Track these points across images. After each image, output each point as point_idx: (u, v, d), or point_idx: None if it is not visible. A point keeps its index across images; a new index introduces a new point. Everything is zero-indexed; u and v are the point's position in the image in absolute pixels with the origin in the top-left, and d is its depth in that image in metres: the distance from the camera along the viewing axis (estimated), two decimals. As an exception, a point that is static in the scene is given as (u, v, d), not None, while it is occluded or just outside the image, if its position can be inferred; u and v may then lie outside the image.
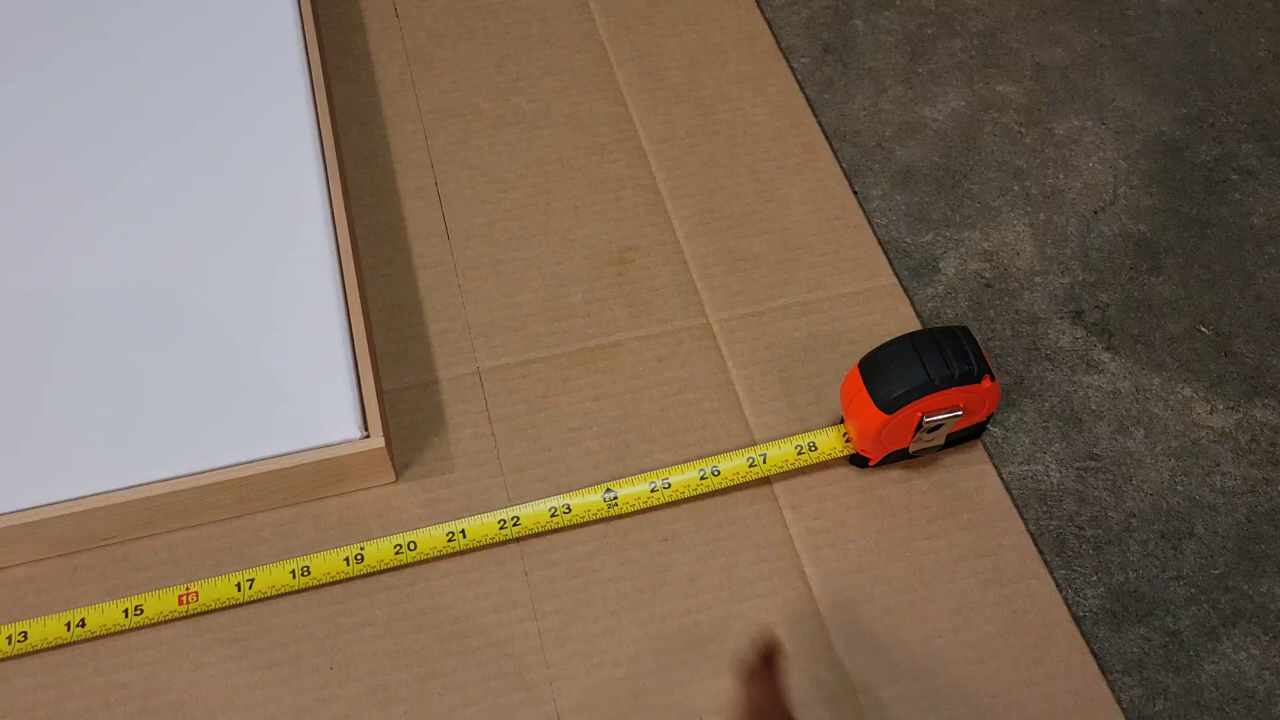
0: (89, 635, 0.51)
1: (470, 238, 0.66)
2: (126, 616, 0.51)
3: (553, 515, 0.55)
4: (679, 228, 0.66)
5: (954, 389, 0.52)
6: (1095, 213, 0.68)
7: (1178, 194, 0.69)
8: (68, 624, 0.51)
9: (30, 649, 0.50)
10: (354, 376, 0.55)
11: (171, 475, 0.51)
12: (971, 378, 0.52)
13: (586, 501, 0.55)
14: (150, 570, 0.53)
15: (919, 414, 0.52)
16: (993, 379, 0.52)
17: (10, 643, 0.50)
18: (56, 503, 0.50)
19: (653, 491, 0.55)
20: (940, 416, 0.53)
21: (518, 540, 0.55)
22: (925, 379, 0.51)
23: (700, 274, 0.64)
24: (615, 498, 0.55)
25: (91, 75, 0.66)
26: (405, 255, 0.65)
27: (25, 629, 0.51)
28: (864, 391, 0.53)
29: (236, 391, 0.55)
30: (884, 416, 0.52)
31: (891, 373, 0.52)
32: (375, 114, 0.71)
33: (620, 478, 0.56)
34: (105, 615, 0.51)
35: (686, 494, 0.55)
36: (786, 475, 0.57)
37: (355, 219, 0.65)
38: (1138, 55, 0.75)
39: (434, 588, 0.53)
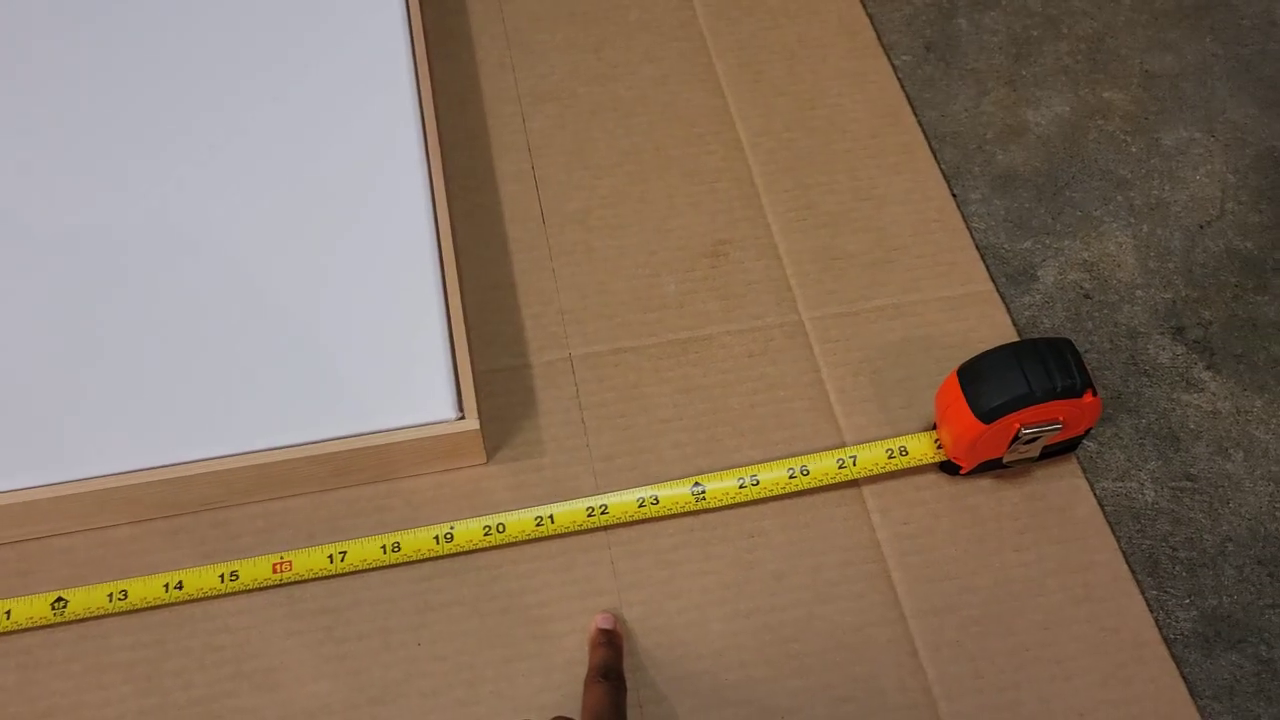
0: (186, 598, 0.52)
1: (565, 223, 0.66)
2: (223, 581, 0.52)
3: (640, 506, 0.55)
4: (774, 223, 0.66)
5: (1054, 402, 0.51)
6: (1201, 227, 0.66)
7: (1287, 211, 0.67)
8: (166, 585, 0.52)
9: (130, 608, 0.52)
10: (450, 358, 0.56)
11: (276, 445, 0.52)
12: (1073, 391, 0.51)
13: (674, 494, 0.55)
14: (247, 537, 0.54)
15: (1017, 425, 0.52)
16: (1094, 394, 0.51)
17: (111, 600, 0.52)
18: (166, 465, 0.52)
19: (741, 488, 0.55)
20: (1038, 429, 0.52)
21: (605, 529, 0.55)
22: (1026, 390, 0.51)
23: (794, 270, 0.64)
24: (703, 491, 0.55)
25: (194, 49, 0.67)
26: (501, 238, 0.65)
27: (126, 588, 0.52)
28: (961, 399, 0.52)
29: (336, 368, 0.55)
30: (981, 426, 0.51)
31: (991, 382, 0.51)
32: (475, 95, 0.71)
33: (708, 471, 0.56)
34: (202, 579, 0.52)
35: (774, 492, 0.55)
36: (875, 479, 0.57)
37: (453, 199, 0.65)
38: (1252, 67, 0.73)
39: (521, 571, 0.54)
